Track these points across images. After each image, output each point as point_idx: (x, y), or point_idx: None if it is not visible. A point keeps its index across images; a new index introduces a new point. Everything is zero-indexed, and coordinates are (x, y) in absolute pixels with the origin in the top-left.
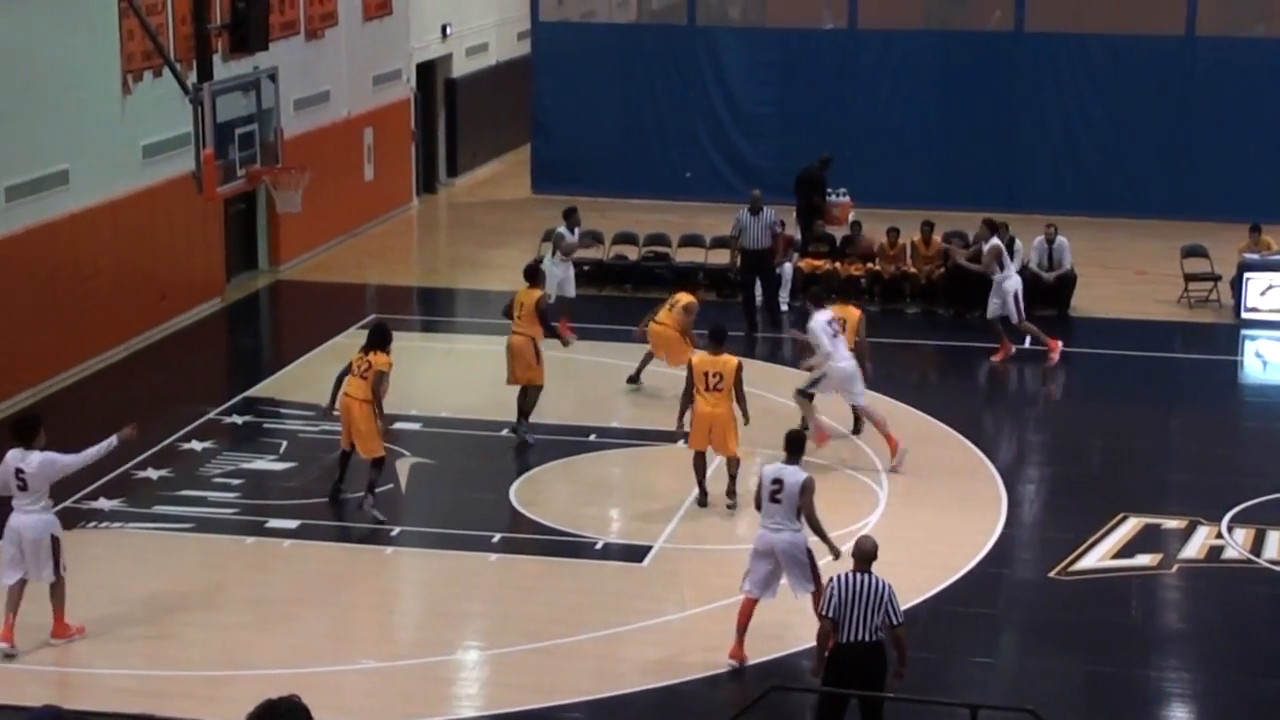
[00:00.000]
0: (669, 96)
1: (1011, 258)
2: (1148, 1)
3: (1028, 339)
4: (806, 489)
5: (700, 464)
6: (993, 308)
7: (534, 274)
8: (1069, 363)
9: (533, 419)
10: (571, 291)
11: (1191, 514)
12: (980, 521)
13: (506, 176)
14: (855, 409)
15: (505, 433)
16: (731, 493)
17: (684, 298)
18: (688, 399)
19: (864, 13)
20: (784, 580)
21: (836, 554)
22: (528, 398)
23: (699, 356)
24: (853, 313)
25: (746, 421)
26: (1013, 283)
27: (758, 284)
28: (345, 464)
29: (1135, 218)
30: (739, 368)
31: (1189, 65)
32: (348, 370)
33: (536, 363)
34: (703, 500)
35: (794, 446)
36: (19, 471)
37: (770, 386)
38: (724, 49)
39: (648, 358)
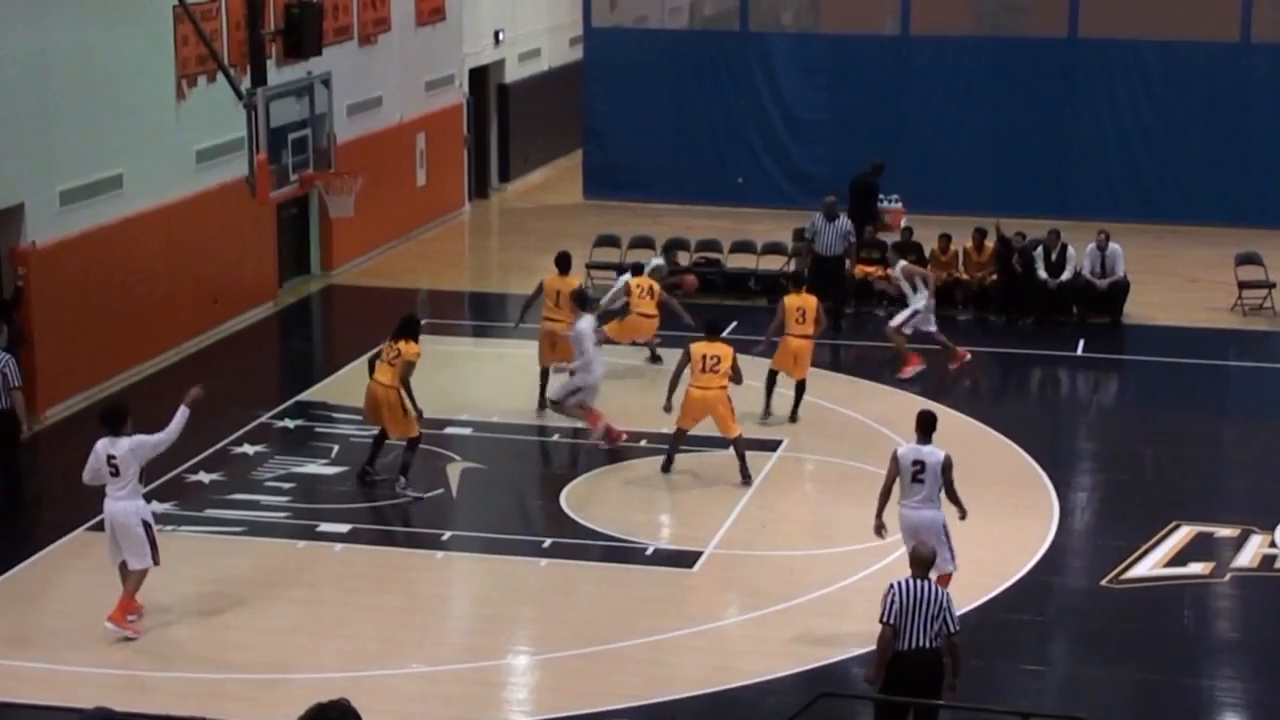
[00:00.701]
0: (721, 102)
1: (1064, 265)
2: (1202, 7)
3: (1080, 344)
4: (948, 466)
5: (678, 438)
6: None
7: (565, 262)
8: (1121, 370)
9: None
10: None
11: (1245, 522)
12: (1032, 529)
13: (559, 182)
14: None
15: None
16: (745, 475)
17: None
18: (676, 381)
19: (916, 19)
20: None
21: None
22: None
23: (698, 343)
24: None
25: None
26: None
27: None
28: (378, 446)
29: (1189, 224)
30: (735, 354)
31: (1244, 71)
32: (377, 356)
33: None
34: (666, 467)
35: (926, 426)
36: (110, 458)
37: (828, 395)
38: (777, 55)
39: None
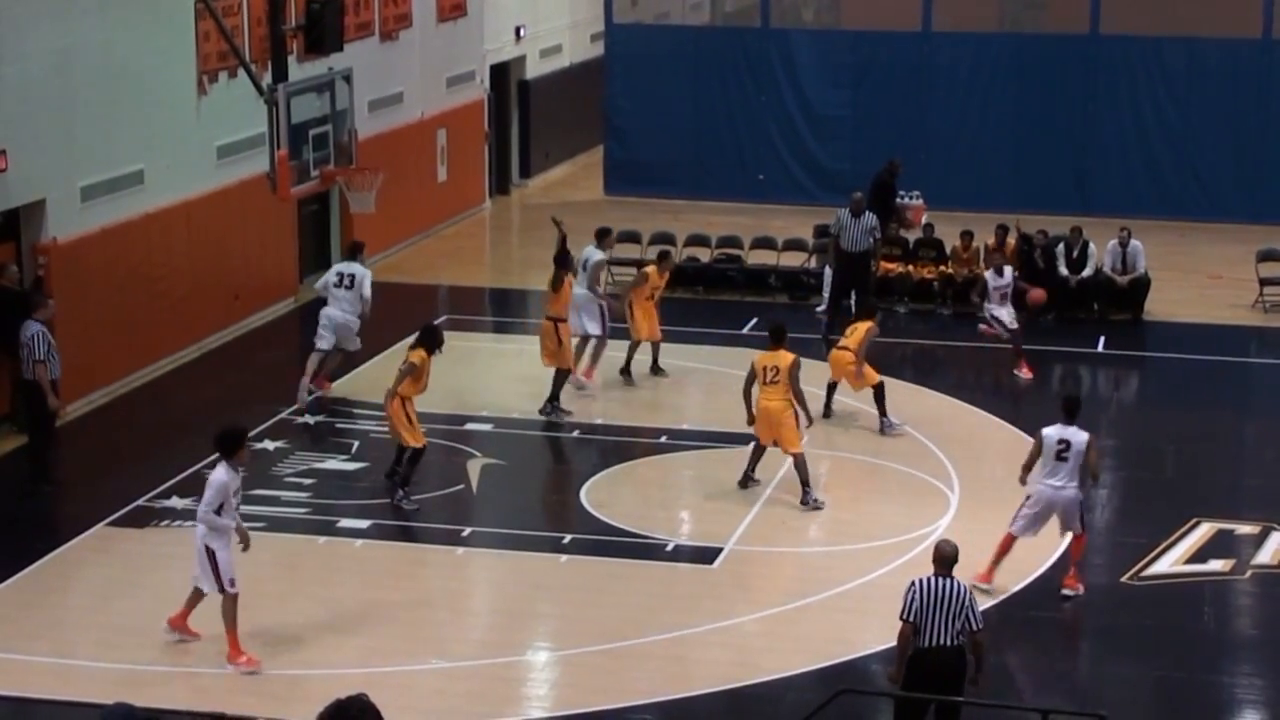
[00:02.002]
0: (742, 99)
1: (1085, 262)
2: (1224, 4)
3: (1101, 341)
4: (1091, 446)
5: (756, 453)
6: (579, 327)
7: (561, 260)
8: (1142, 367)
9: (604, 420)
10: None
11: (1265, 519)
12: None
13: (579, 178)
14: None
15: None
16: (806, 499)
17: (865, 323)
18: (748, 393)
19: (938, 15)
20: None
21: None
22: (556, 381)
23: (760, 354)
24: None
25: (809, 423)
26: (580, 294)
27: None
28: (401, 451)
29: (1210, 221)
30: (794, 364)
31: (1266, 68)
32: None
33: (558, 347)
34: (744, 482)
35: (1072, 409)
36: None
37: (848, 391)
38: (797, 51)
39: (832, 388)
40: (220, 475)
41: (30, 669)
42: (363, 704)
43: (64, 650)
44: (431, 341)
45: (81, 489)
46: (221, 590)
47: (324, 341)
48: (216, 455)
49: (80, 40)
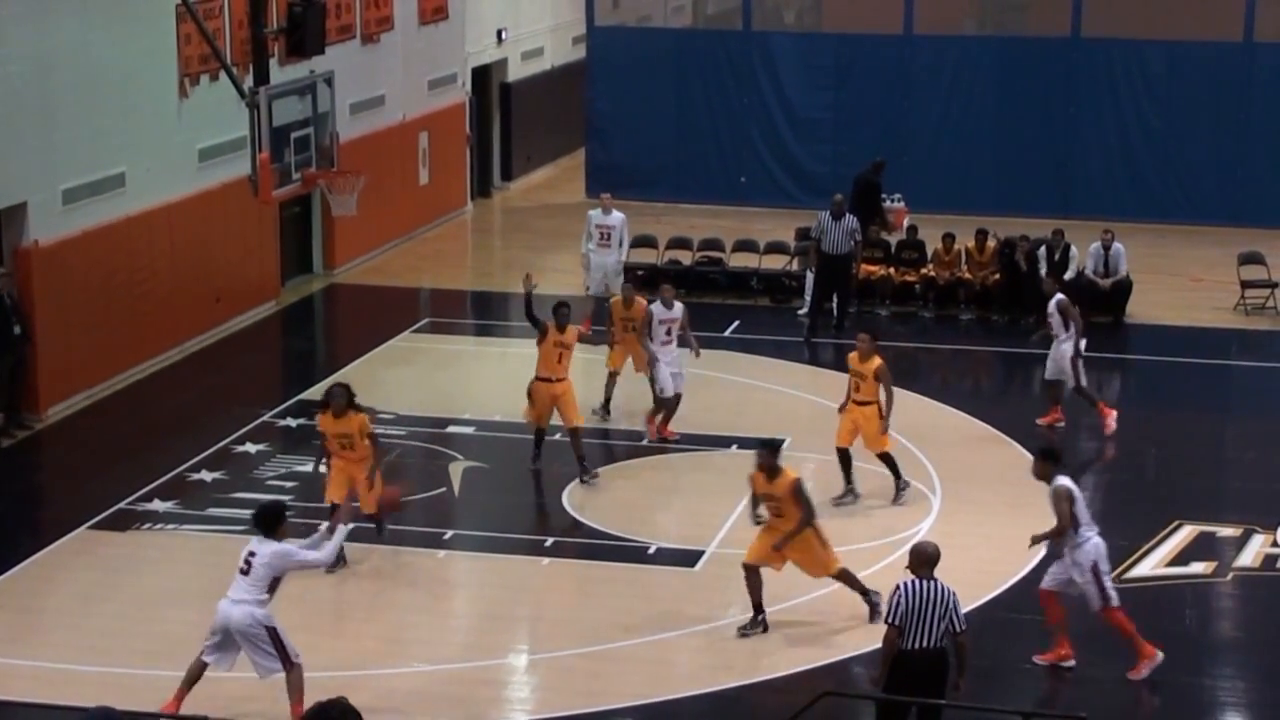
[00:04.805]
0: (724, 101)
1: (1067, 264)
2: (1205, 7)
3: (1083, 344)
4: None
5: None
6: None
7: (555, 312)
8: (1124, 369)
9: (586, 424)
10: None
11: (1247, 521)
12: (1034, 528)
13: (561, 181)
14: None
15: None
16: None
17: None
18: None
19: (919, 18)
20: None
21: None
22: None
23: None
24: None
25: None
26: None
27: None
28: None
29: (1191, 224)
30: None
31: (1247, 71)
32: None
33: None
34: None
35: None
36: (250, 555)
37: (830, 394)
38: (779, 54)
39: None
40: (270, 553)
41: (11, 673)
42: (344, 707)
43: (45, 654)
44: (323, 404)
45: (63, 492)
46: (289, 667)
47: None
48: (260, 533)
49: (61, 43)
